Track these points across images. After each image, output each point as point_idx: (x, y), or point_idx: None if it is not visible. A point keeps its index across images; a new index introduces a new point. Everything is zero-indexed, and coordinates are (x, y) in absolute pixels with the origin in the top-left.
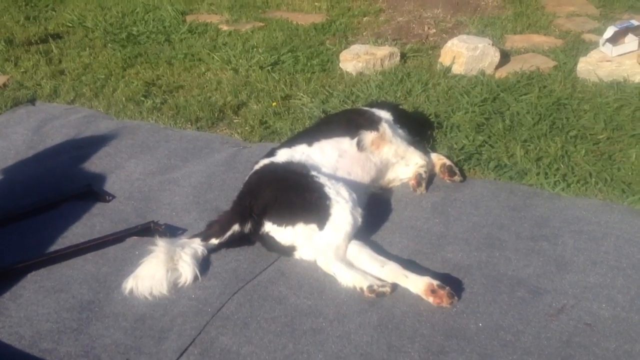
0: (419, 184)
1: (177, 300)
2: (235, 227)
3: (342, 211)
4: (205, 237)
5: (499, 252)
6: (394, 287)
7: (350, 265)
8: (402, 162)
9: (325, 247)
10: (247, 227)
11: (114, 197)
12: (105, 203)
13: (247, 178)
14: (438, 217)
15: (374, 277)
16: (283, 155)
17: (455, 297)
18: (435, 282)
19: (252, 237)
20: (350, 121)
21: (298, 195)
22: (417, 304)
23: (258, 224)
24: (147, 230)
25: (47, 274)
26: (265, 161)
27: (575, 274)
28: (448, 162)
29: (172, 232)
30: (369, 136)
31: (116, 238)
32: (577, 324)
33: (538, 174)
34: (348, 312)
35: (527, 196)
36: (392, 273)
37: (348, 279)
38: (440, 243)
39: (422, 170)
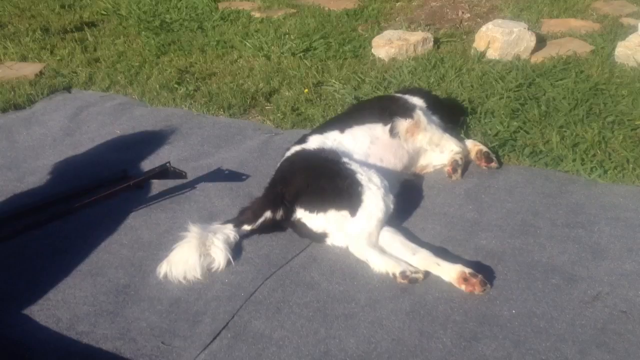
0: (454, 170)
1: (211, 284)
2: (267, 214)
3: (374, 198)
4: (237, 223)
5: (533, 239)
6: (427, 274)
7: (382, 251)
8: (436, 150)
9: (358, 234)
10: (279, 213)
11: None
12: (141, 189)
13: (278, 165)
14: (471, 204)
15: (406, 264)
16: (314, 142)
17: (488, 285)
18: (467, 270)
19: (284, 224)
20: (383, 108)
21: (329, 182)
22: (449, 291)
23: (290, 211)
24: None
25: (83, 258)
26: (297, 148)
27: (611, 261)
28: (484, 149)
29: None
30: (403, 124)
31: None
32: (612, 312)
33: (574, 160)
34: (380, 298)
35: (562, 183)
36: (423, 261)
37: (381, 265)
38: (474, 230)
39: (457, 157)
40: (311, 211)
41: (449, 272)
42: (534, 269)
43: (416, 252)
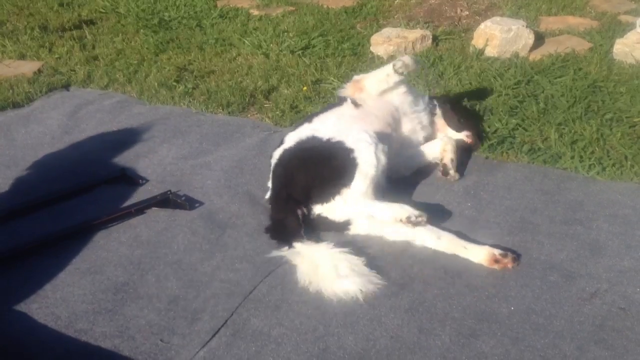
0: (445, 173)
1: (210, 282)
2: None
3: (366, 155)
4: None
5: (532, 236)
6: (429, 218)
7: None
8: (408, 100)
9: (356, 195)
10: (300, 218)
11: (147, 180)
12: (139, 186)
13: (270, 175)
14: (470, 201)
15: (411, 208)
16: (291, 140)
17: (518, 260)
18: (497, 252)
19: (306, 224)
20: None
21: (326, 166)
22: (448, 287)
23: (307, 210)
24: (167, 201)
25: (82, 256)
26: (279, 151)
27: (610, 258)
28: (446, 160)
29: (190, 203)
30: (346, 88)
31: (137, 210)
32: (610, 308)
33: (572, 157)
34: (379, 295)
35: (561, 180)
36: (450, 244)
37: (386, 212)
38: (472, 227)
39: (448, 160)
40: (327, 201)
41: (478, 255)
42: (533, 266)
43: (441, 236)
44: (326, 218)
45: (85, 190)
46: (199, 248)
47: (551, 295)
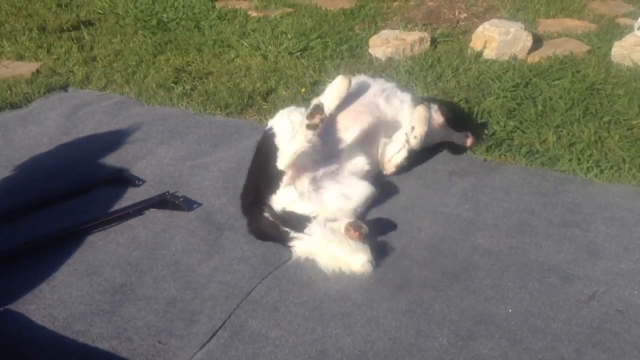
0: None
1: (208, 283)
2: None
3: (279, 123)
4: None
5: (529, 238)
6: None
7: None
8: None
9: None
10: (271, 218)
11: (144, 181)
12: (136, 188)
13: None
14: (468, 203)
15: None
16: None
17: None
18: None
19: (279, 221)
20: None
21: (258, 154)
22: (445, 289)
23: (269, 208)
24: (165, 202)
25: (80, 257)
26: None
27: (607, 260)
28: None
29: (188, 204)
30: None
31: (136, 211)
32: (608, 311)
33: (570, 159)
34: (377, 297)
35: (559, 182)
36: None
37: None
38: (470, 229)
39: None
40: (274, 190)
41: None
42: (530, 269)
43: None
44: (285, 208)
45: (83, 191)
46: (197, 249)
47: (549, 298)
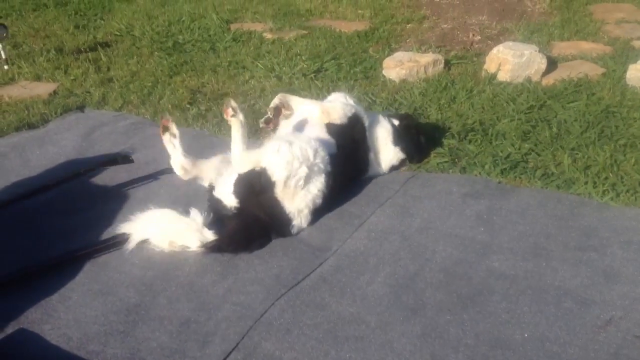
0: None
1: (221, 304)
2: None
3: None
4: None
5: (545, 262)
6: None
7: None
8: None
9: None
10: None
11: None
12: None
13: None
14: (482, 226)
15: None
16: None
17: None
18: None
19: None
20: None
21: None
22: (461, 313)
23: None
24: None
25: (95, 276)
26: None
27: (624, 285)
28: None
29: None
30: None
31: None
32: (625, 336)
33: (586, 183)
34: (391, 320)
35: (574, 205)
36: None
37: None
38: (485, 252)
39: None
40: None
41: None
42: (546, 293)
43: None
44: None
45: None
46: (211, 270)
47: (565, 322)
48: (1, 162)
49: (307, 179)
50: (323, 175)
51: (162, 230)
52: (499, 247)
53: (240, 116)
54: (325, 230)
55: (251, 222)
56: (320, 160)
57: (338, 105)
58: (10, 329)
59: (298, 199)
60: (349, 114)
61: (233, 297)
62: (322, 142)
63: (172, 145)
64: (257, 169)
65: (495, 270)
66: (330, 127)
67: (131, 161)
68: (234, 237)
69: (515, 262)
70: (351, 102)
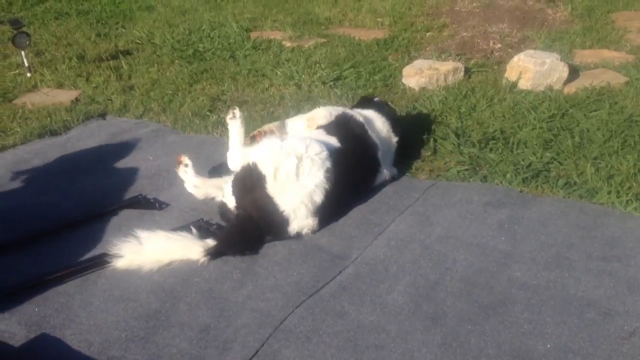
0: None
1: (241, 311)
2: None
3: None
4: None
5: (568, 272)
6: None
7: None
8: None
9: None
10: None
11: (167, 204)
12: (159, 210)
13: None
14: (504, 235)
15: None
16: None
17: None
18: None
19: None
20: None
21: None
22: (482, 323)
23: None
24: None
25: (116, 282)
26: None
27: None
28: None
29: (160, 204)
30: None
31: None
32: None
33: (609, 192)
34: (411, 330)
35: (597, 215)
36: None
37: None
38: (507, 262)
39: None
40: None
41: None
42: (569, 303)
43: None
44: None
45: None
46: (230, 277)
47: (589, 334)
48: (24, 168)
49: (298, 170)
50: (322, 171)
51: (160, 247)
52: (521, 257)
53: (238, 120)
54: (344, 238)
55: (247, 223)
56: (315, 153)
57: (320, 109)
58: (32, 333)
59: (291, 193)
60: (336, 113)
61: (252, 303)
62: (320, 140)
63: (185, 172)
64: (249, 164)
65: (517, 280)
66: (325, 128)
67: (156, 207)
68: (232, 238)
69: (537, 272)
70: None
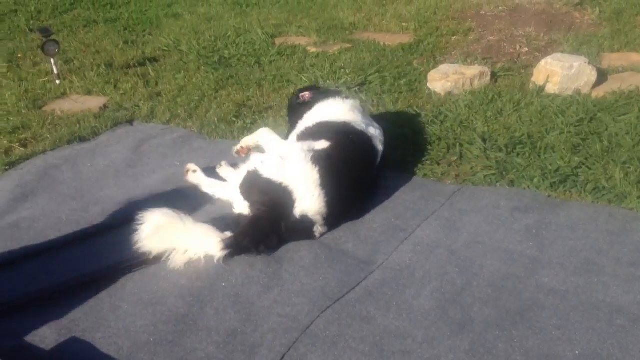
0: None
1: (267, 316)
2: None
3: None
4: None
5: (597, 277)
6: None
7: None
8: None
9: None
10: None
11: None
12: None
13: None
14: (532, 240)
15: None
16: None
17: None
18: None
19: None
20: None
21: None
22: (510, 329)
23: None
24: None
25: (144, 286)
26: None
27: None
28: None
29: None
30: None
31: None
32: None
33: (639, 197)
34: (438, 335)
35: (627, 220)
36: None
37: None
38: (535, 267)
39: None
40: None
41: None
42: (598, 309)
43: None
44: None
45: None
46: (257, 281)
47: (618, 340)
48: (53, 174)
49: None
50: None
51: (179, 239)
52: (549, 262)
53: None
54: (370, 243)
55: (261, 214)
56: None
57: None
58: (62, 337)
59: (291, 170)
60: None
61: (279, 308)
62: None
63: (195, 177)
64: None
65: (545, 286)
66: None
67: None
68: (247, 230)
69: (565, 277)
70: (275, 137)
